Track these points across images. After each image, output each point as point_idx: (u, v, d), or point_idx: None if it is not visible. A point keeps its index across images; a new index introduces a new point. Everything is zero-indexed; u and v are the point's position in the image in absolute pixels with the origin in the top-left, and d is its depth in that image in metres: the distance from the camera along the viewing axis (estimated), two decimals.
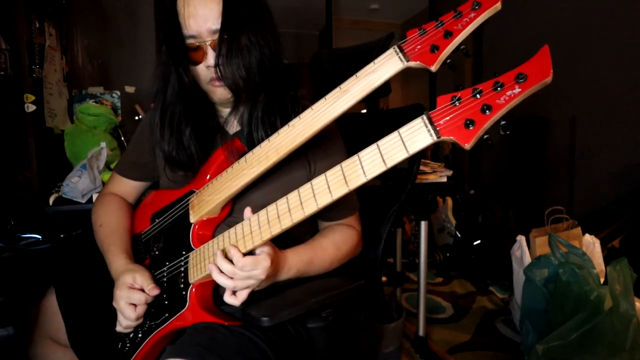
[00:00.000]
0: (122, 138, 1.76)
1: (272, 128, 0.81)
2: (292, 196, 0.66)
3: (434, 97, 3.98)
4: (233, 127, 0.93)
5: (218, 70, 0.80)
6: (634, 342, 1.31)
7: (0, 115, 1.45)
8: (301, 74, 0.90)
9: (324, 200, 0.62)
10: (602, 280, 1.52)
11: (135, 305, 0.80)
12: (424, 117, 0.55)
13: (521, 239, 1.85)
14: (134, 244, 0.96)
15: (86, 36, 2.23)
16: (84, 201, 1.33)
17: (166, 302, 0.83)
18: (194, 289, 0.79)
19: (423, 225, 1.70)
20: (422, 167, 1.59)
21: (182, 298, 0.80)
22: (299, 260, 0.80)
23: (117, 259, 0.88)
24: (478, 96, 0.53)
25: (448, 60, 0.61)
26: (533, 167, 2.93)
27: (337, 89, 0.67)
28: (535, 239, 1.85)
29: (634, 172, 2.32)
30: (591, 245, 1.82)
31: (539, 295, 1.57)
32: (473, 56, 3.65)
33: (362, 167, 0.59)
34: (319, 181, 0.63)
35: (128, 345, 0.88)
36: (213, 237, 0.81)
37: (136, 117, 1.89)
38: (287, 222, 0.66)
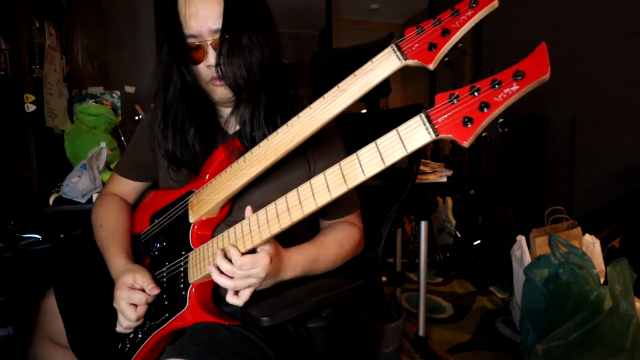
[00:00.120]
0: (122, 138, 1.76)
1: (273, 127, 0.81)
2: (291, 195, 0.66)
3: (433, 97, 3.96)
4: (233, 126, 0.93)
5: (219, 69, 0.80)
6: (634, 342, 1.31)
7: (0, 115, 1.46)
8: (301, 74, 0.90)
9: (323, 199, 0.62)
10: (602, 280, 1.52)
11: (135, 305, 0.80)
12: (422, 115, 0.55)
13: (521, 239, 1.85)
14: (133, 244, 0.96)
15: (86, 36, 2.23)
16: (84, 201, 1.33)
17: (166, 303, 0.83)
18: (193, 289, 0.79)
19: (423, 225, 1.70)
20: (422, 167, 1.59)
21: (182, 298, 0.80)
22: (304, 259, 0.80)
23: (117, 259, 0.88)
24: (476, 94, 0.52)
25: (446, 59, 0.61)
26: (533, 167, 2.93)
27: (336, 87, 0.67)
28: (535, 239, 1.85)
29: (634, 172, 2.32)
30: (591, 245, 1.82)
31: (539, 295, 1.57)
32: (473, 56, 3.65)
33: (361, 166, 0.59)
34: (317, 180, 0.63)
35: (128, 345, 0.88)
36: (212, 236, 0.81)
37: (136, 117, 1.90)
38: (286, 222, 0.66)
